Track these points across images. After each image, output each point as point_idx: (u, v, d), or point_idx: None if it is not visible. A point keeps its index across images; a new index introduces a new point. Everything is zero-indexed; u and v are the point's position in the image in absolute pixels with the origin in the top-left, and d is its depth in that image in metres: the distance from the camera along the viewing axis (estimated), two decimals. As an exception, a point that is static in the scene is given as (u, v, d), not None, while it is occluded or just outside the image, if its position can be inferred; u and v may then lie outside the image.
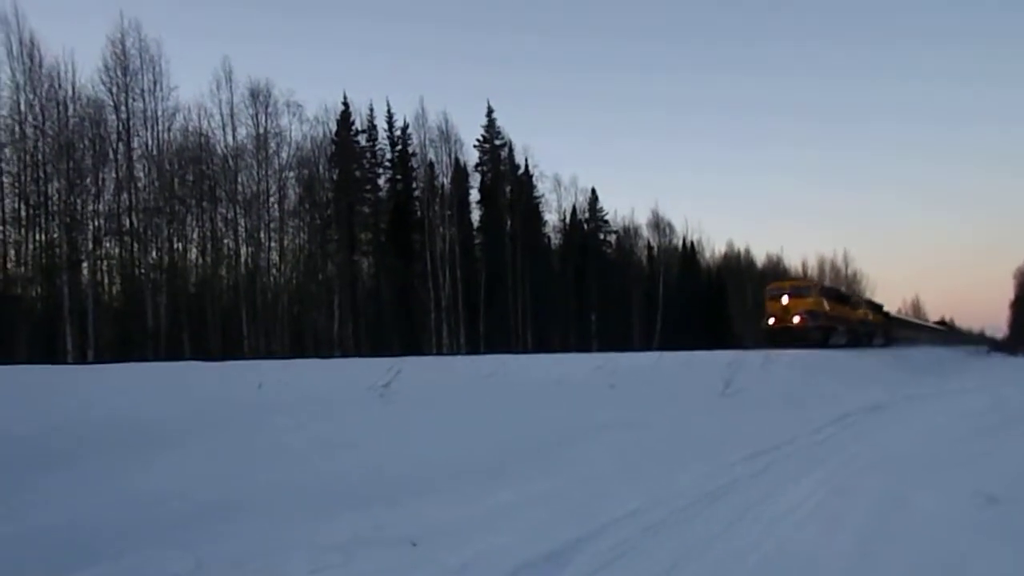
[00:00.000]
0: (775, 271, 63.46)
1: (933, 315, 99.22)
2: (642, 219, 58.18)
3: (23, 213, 31.37)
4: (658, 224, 58.10)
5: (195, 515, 3.86)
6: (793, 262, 74.79)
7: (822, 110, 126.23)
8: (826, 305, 32.97)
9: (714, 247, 63.62)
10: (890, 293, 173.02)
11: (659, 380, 12.33)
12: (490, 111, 46.49)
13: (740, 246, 68.07)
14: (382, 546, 3.93)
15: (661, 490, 5.37)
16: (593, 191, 53.29)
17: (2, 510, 3.56)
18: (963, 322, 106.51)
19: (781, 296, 32.78)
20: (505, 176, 47.02)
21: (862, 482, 5.90)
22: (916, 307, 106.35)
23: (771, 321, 32.51)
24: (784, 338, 30.46)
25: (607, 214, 54.23)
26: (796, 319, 31.52)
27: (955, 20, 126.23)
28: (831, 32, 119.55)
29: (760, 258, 68.17)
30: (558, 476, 5.67)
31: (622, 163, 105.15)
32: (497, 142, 46.84)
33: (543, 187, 49.21)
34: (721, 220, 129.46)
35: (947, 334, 74.01)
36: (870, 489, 5.60)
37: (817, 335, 31.21)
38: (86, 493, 3.96)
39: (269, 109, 37.06)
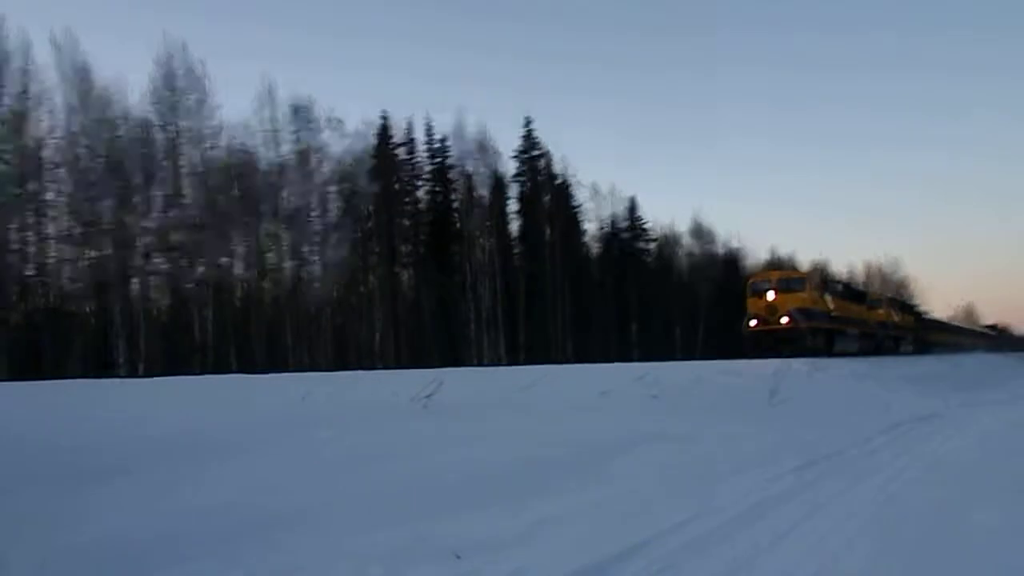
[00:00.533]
0: (820, 278, 62.19)
1: (988, 321, 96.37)
2: (682, 227, 57.78)
3: (76, 231, 32.29)
4: (699, 231, 57.59)
5: (242, 528, 3.90)
6: (839, 268, 73.51)
7: (870, 110, 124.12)
8: (829, 302, 27.42)
9: (757, 254, 62.55)
10: (942, 299, 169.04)
11: (702, 390, 12.19)
12: (528, 121, 46.72)
13: (784, 252, 67.15)
14: (425, 558, 3.93)
15: (705, 503, 5.29)
16: (632, 199, 53.17)
17: (50, 524, 3.63)
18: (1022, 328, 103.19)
19: (766, 291, 26.27)
20: (544, 186, 47.10)
21: (915, 495, 5.74)
22: (969, 313, 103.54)
23: (752, 323, 26.15)
24: (768, 344, 24.91)
25: (647, 222, 53.98)
26: (784, 320, 25.13)
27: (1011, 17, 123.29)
28: (882, 24, 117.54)
29: (805, 265, 67.18)
30: (600, 489, 5.62)
31: (662, 171, 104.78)
32: (535, 152, 47.01)
33: (582, 196, 49.26)
34: (764, 226, 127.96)
35: (997, 340, 71.04)
36: (924, 502, 5.45)
37: (814, 340, 25.48)
38: (133, 507, 4.02)
39: (310, 125, 37.81)
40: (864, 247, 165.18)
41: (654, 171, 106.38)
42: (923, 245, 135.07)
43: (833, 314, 27.42)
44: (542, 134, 48.01)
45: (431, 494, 5.00)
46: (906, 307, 43.63)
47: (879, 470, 6.87)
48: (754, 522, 4.85)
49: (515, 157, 46.39)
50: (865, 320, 31.65)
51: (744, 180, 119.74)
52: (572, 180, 48.04)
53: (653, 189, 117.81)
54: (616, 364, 14.35)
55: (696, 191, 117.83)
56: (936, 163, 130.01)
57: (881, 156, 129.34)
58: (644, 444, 7.42)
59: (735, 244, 60.93)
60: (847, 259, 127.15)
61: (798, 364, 17.17)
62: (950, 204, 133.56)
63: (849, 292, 32.12)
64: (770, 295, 25.95)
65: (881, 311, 34.83)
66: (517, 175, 46.24)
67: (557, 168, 47.50)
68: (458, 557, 3.87)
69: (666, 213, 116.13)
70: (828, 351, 25.35)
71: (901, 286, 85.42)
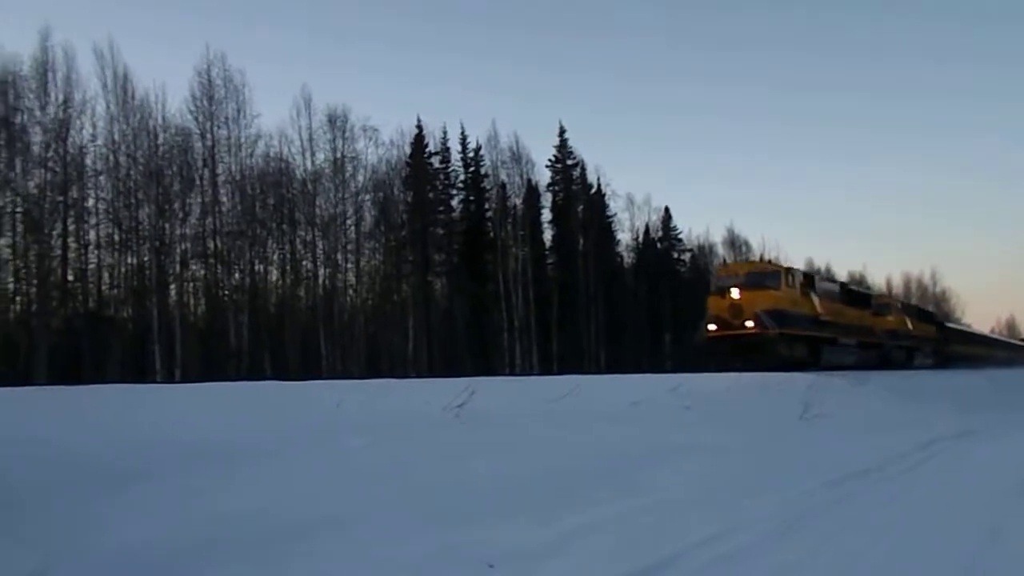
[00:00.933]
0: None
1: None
2: (717, 237, 57.29)
3: (116, 237, 33.00)
4: (734, 242, 57.17)
5: (274, 534, 3.95)
6: (876, 280, 72.36)
7: (906, 125, 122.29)
8: (815, 304, 22.76)
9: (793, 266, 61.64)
10: (983, 312, 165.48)
11: (736, 403, 12.08)
12: (562, 131, 46.73)
13: (820, 264, 66.20)
14: (457, 567, 3.94)
15: (736, 517, 5.24)
16: (667, 209, 52.86)
17: (81, 530, 3.71)
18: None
19: (729, 288, 21.38)
20: (577, 196, 47.05)
21: (952, 513, 5.63)
22: (1011, 326, 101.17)
23: (712, 327, 21.34)
24: (728, 354, 20.56)
25: (681, 232, 53.60)
26: (750, 323, 20.31)
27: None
28: (917, 45, 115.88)
29: (841, 276, 66.22)
30: (632, 500, 5.59)
31: (697, 181, 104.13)
32: (569, 162, 46.99)
33: (616, 206, 49.08)
34: (800, 238, 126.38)
35: None
36: (961, 521, 5.34)
37: (790, 349, 21.05)
38: (163, 513, 4.09)
39: (346, 134, 38.23)
40: (903, 259, 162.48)
41: (689, 181, 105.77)
42: (961, 257, 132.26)
43: (822, 319, 22.83)
44: (576, 143, 48.02)
45: (463, 503, 5.01)
46: (925, 315, 38.72)
47: (913, 487, 6.74)
48: (785, 535, 4.79)
49: (549, 166, 46.47)
50: (868, 328, 27.27)
51: (780, 191, 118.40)
52: (606, 190, 48.00)
53: (688, 199, 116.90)
54: (649, 375, 14.21)
55: (731, 201, 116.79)
56: (979, 174, 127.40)
57: (920, 168, 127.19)
58: (676, 455, 7.37)
59: (771, 255, 60.38)
60: (884, 270, 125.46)
61: (835, 379, 16.92)
62: (994, 216, 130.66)
63: (847, 294, 27.37)
64: (734, 293, 20.98)
65: (891, 318, 30.33)
66: (551, 184, 46.30)
67: (591, 178, 47.52)
68: (491, 566, 3.87)
69: (700, 223, 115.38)
70: (815, 363, 21.50)
71: (941, 299, 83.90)
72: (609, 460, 6.89)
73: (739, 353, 20.18)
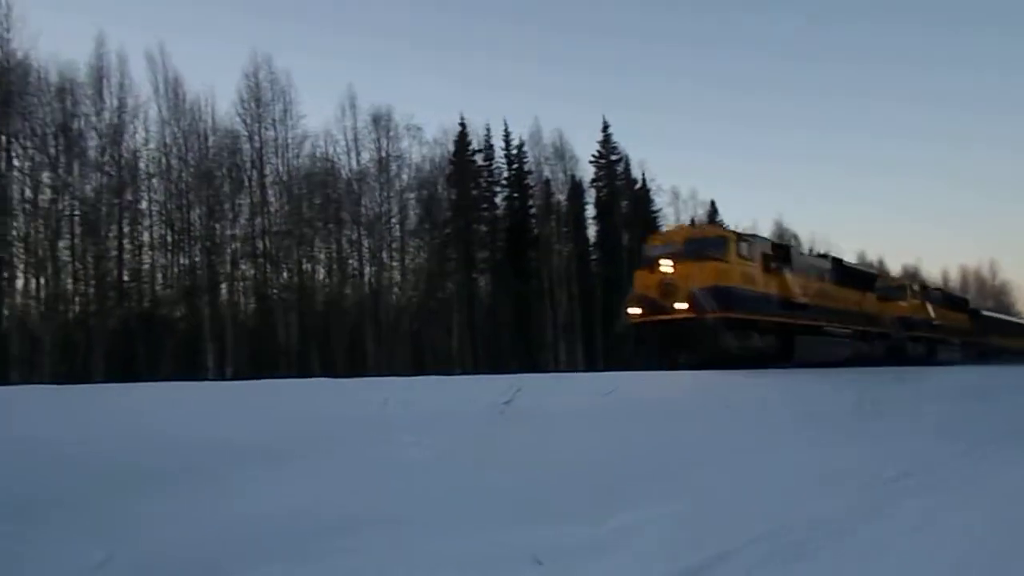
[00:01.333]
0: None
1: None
2: (764, 231, 56.40)
3: (168, 238, 33.79)
4: (782, 236, 56.14)
5: (319, 531, 3.95)
6: (932, 272, 70.55)
7: (962, 106, 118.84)
8: (789, 282, 18.11)
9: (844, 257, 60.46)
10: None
11: (785, 400, 11.81)
12: (606, 126, 46.46)
13: (872, 257, 64.81)
14: (504, 563, 3.89)
15: (787, 517, 5.09)
16: (712, 204, 52.27)
17: (121, 529, 3.75)
18: None
19: (659, 259, 16.38)
20: (621, 191, 46.74)
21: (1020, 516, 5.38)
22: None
23: (634, 311, 16.62)
24: (655, 341, 16.36)
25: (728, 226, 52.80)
26: (681, 304, 15.54)
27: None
28: (966, 20, 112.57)
29: (895, 269, 64.76)
30: (678, 499, 5.48)
31: (744, 174, 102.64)
32: (613, 157, 46.70)
33: (660, 201, 48.69)
34: (851, 230, 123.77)
35: None
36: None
37: (742, 341, 16.27)
38: (211, 510, 4.12)
39: (390, 133, 38.60)
40: (960, 252, 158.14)
41: (735, 174, 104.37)
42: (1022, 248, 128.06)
43: (797, 301, 18.18)
44: (620, 138, 47.68)
45: (509, 500, 4.97)
46: (954, 301, 33.34)
47: (976, 491, 6.48)
48: (835, 538, 4.64)
49: (592, 162, 46.25)
50: (870, 315, 22.93)
51: (830, 182, 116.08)
52: (651, 184, 47.58)
53: (734, 192, 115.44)
54: (695, 371, 13.83)
55: (779, 193, 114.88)
56: (1015, 162, 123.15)
57: (981, 155, 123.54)
58: (724, 454, 7.22)
59: (821, 248, 59.26)
60: (941, 262, 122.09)
61: (888, 374, 16.38)
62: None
63: (841, 272, 22.50)
64: (665, 265, 15.98)
65: (904, 303, 25.91)
66: (595, 180, 46.04)
67: (635, 172, 47.16)
68: (540, 563, 3.82)
69: (747, 218, 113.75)
70: (784, 359, 17.68)
71: (1001, 292, 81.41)
72: (657, 458, 6.78)
73: (671, 345, 15.99)
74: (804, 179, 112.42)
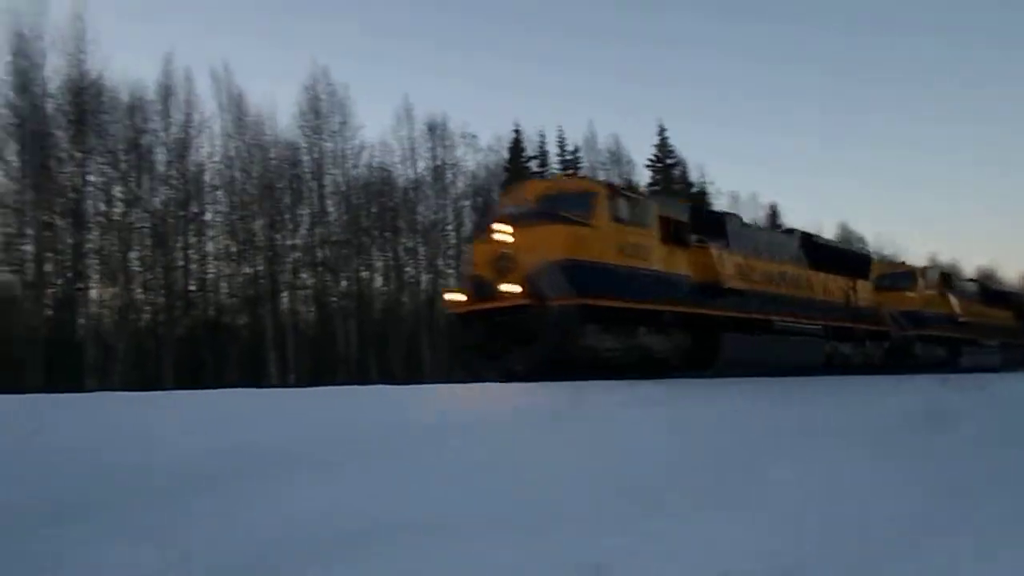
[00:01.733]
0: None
1: None
2: (828, 234, 55.13)
3: (232, 249, 34.70)
4: (847, 239, 54.84)
5: (370, 534, 4.00)
6: (1008, 275, 67.86)
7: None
8: (716, 259, 14.32)
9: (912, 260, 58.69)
10: None
11: (847, 406, 11.50)
12: (662, 130, 46.04)
13: (944, 260, 62.62)
14: (554, 571, 3.88)
15: (849, 529, 4.95)
16: (773, 207, 51.26)
17: (194, 524, 3.86)
18: None
19: (497, 230, 12.00)
20: (679, 195, 46.21)
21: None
22: None
23: (456, 297, 12.59)
24: (480, 339, 11.89)
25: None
26: (512, 287, 11.25)
27: None
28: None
29: (969, 272, 62.45)
30: (734, 509, 5.38)
31: (807, 177, 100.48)
32: (669, 161, 46.21)
33: (720, 205, 47.90)
34: (922, 232, 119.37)
35: None
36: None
37: (606, 340, 12.02)
38: (270, 513, 4.21)
39: (446, 142, 38.91)
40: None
41: (799, 179, 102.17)
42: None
43: (726, 285, 14.25)
44: (678, 142, 47.23)
45: (565, 507, 4.95)
46: (994, 295, 28.27)
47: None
48: (898, 558, 4.49)
49: (649, 166, 45.87)
50: (858, 308, 18.83)
51: (896, 186, 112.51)
52: (710, 188, 46.95)
53: (798, 194, 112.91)
54: (755, 377, 13.39)
55: (845, 199, 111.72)
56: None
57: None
58: (783, 463, 7.07)
59: (887, 252, 57.56)
60: (1020, 264, 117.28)
61: (968, 380, 15.65)
62: None
63: (814, 250, 18.35)
64: (501, 232, 11.85)
65: (913, 294, 21.74)
66: (651, 184, 45.68)
67: (693, 176, 46.63)
68: (598, 570, 3.80)
69: (811, 222, 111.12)
70: (705, 365, 13.82)
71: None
72: (712, 466, 6.68)
73: (500, 344, 11.68)
74: (870, 181, 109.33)
